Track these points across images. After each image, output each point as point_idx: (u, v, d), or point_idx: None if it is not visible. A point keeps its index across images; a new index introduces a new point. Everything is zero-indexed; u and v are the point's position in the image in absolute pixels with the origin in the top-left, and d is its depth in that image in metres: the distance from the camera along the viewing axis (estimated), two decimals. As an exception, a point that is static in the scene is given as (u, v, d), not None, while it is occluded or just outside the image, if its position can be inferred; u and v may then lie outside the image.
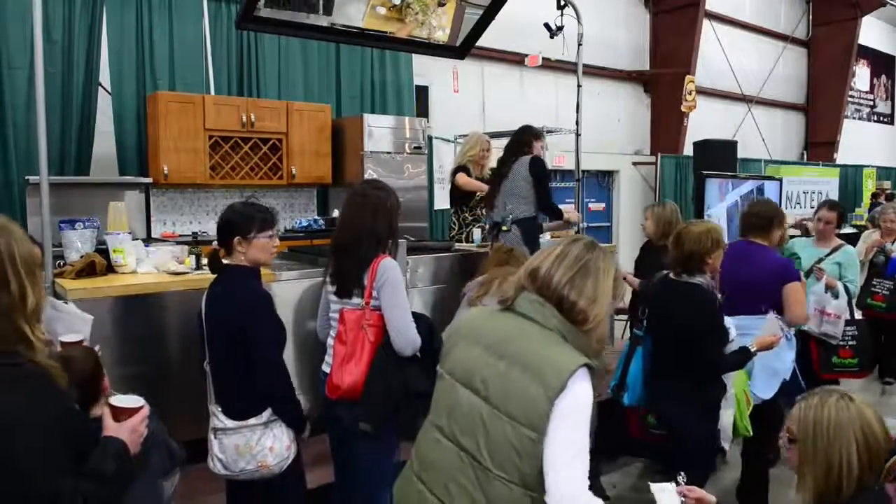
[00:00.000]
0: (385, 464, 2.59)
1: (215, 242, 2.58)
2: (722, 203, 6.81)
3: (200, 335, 2.60)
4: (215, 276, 2.60)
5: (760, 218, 3.61)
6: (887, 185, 13.91)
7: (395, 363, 2.54)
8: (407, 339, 2.53)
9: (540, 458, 1.59)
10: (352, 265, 2.58)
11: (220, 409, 2.49)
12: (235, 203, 2.59)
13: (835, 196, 12.18)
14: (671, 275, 3.13)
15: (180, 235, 6.22)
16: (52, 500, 1.36)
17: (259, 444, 2.43)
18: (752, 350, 3.00)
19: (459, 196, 5.38)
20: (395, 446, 2.67)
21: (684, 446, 3.03)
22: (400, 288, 2.57)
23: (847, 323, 4.27)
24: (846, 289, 4.37)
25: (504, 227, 4.23)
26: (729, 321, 3.12)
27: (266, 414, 2.45)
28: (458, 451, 1.70)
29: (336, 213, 6.91)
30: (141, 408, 1.65)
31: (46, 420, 1.41)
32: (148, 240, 5.56)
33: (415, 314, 2.64)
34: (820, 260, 4.47)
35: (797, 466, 1.70)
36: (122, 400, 1.66)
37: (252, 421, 2.43)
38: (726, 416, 3.21)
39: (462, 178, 5.24)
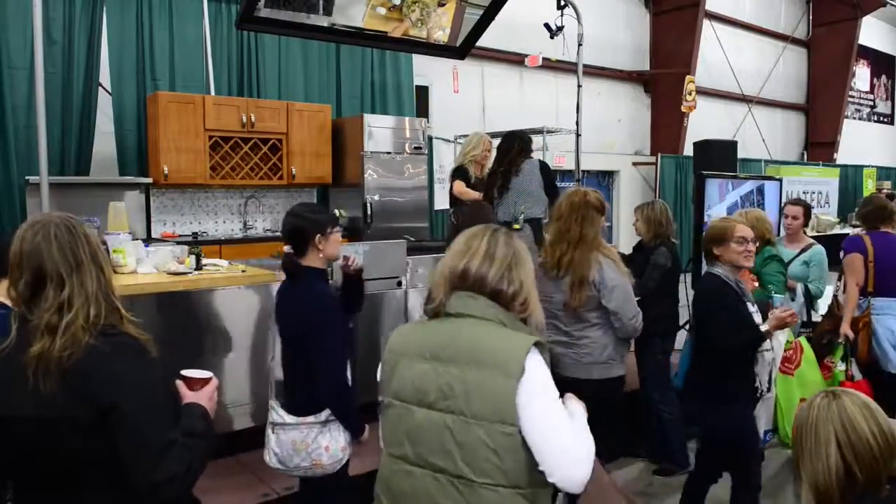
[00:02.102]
0: None
1: (287, 247, 2.66)
2: (722, 203, 6.77)
3: (273, 332, 2.73)
4: (287, 276, 2.69)
5: (885, 210, 4.14)
6: (887, 185, 13.89)
7: None
8: None
9: (519, 451, 1.56)
10: None
11: (278, 404, 2.55)
12: (295, 207, 2.77)
13: (835, 196, 12.18)
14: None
15: (180, 235, 6.23)
16: (167, 448, 1.48)
17: (315, 443, 2.47)
18: (765, 330, 2.89)
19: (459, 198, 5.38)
20: None
21: (711, 440, 3.05)
22: None
23: (803, 325, 4.19)
24: (807, 290, 4.27)
25: (516, 226, 4.32)
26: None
27: (325, 413, 2.48)
28: (431, 474, 1.63)
29: (337, 213, 6.94)
30: (211, 378, 1.72)
31: (155, 380, 1.57)
32: (148, 240, 5.56)
33: None
34: (789, 262, 4.32)
35: (795, 470, 1.68)
36: (191, 372, 1.72)
37: (310, 419, 2.48)
38: (761, 415, 3.18)
39: (459, 186, 5.21)
